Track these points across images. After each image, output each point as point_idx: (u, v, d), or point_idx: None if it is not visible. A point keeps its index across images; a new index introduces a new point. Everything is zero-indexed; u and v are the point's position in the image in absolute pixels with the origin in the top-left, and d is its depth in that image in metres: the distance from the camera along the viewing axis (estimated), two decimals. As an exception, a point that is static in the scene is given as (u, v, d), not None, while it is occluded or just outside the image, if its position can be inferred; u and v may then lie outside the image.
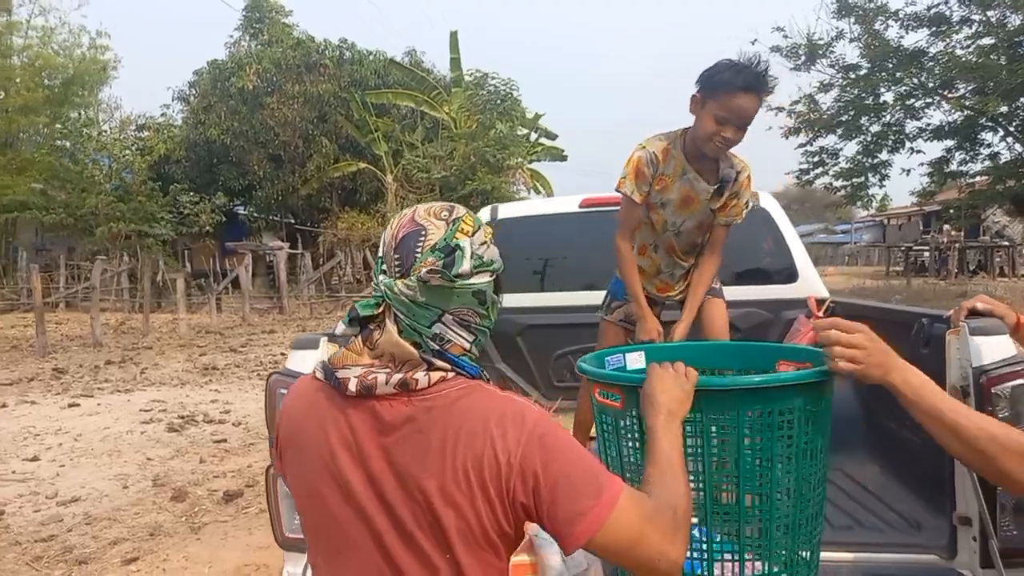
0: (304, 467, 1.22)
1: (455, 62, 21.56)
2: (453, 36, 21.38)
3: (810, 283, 3.63)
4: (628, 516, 1.10)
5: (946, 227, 27.22)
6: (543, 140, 22.77)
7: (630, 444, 1.51)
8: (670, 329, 2.70)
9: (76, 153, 23.26)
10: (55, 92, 22.41)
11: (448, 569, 1.14)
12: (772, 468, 1.46)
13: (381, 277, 1.17)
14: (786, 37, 18.88)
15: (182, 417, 7.13)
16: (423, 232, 1.15)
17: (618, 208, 3.90)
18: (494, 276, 1.20)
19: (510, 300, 3.97)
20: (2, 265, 22.15)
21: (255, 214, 26.20)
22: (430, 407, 1.13)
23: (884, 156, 19.61)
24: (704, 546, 1.48)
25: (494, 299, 1.21)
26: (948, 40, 17.43)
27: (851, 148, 19.84)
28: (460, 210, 1.20)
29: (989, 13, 16.83)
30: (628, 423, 1.51)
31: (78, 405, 7.78)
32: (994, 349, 1.75)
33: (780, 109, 19.56)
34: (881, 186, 20.37)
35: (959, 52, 17.39)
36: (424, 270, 1.12)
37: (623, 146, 2.78)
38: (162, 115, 26.00)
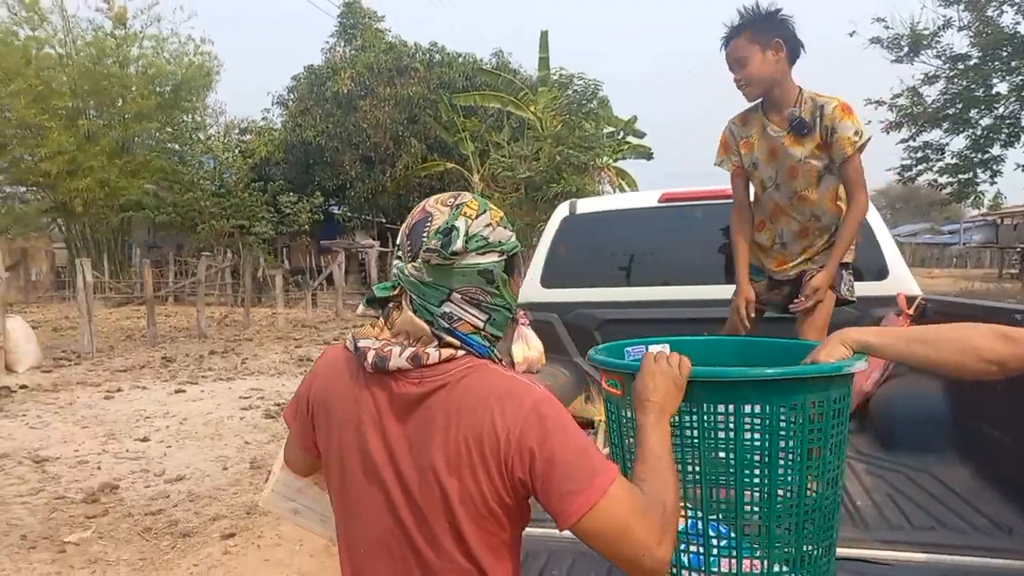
0: (332, 429, 1.31)
1: (543, 61, 21.62)
2: (543, 36, 21.45)
3: (901, 280, 3.50)
4: (618, 505, 1.13)
5: (1067, 227, 25.31)
6: (630, 138, 22.55)
7: (630, 432, 1.50)
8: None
9: (185, 156, 24.69)
10: (166, 98, 23.79)
11: (450, 535, 1.21)
12: (772, 464, 1.41)
13: (396, 262, 1.26)
14: (887, 28, 18.05)
15: (278, 404, 7.49)
16: (430, 218, 1.22)
17: (700, 203, 3.91)
18: (504, 256, 1.25)
19: (588, 295, 4.02)
20: (118, 261, 23.75)
21: (348, 213, 27.08)
22: (439, 384, 1.20)
23: (996, 151, 18.42)
24: (703, 540, 1.47)
25: (504, 278, 1.26)
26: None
27: (958, 143, 18.74)
28: (465, 196, 1.26)
29: (1119, -5, 15.58)
30: (628, 413, 1.50)
31: (184, 391, 8.29)
32: None
33: (880, 103, 18.70)
34: (992, 183, 19.12)
35: (1084, 38, 16.17)
36: (423, 250, 1.20)
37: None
38: (263, 119, 27.27)
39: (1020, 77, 17.29)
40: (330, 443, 1.33)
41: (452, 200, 1.25)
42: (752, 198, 2.94)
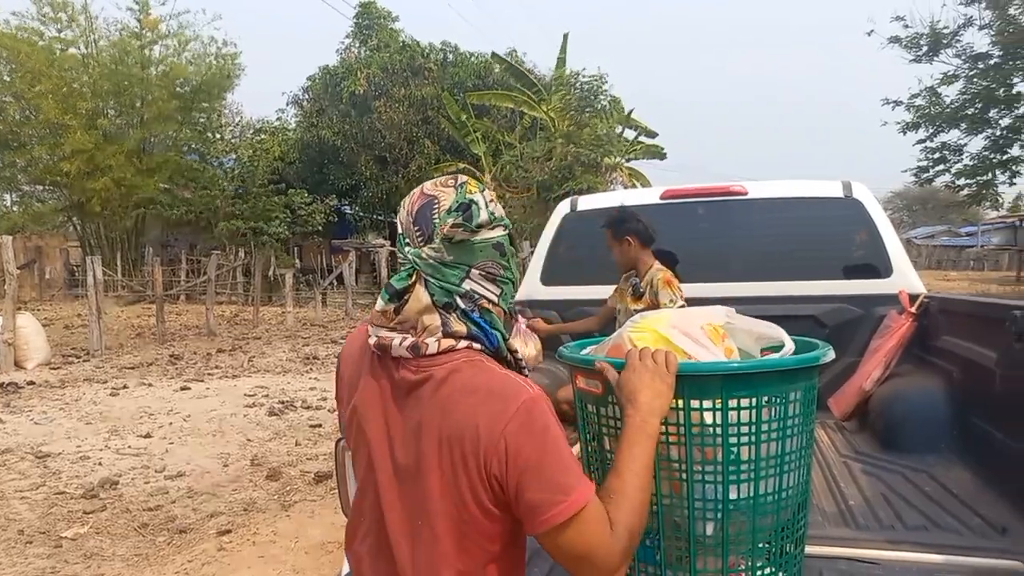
0: (353, 413, 1.30)
1: (561, 61, 21.65)
2: (565, 37, 21.50)
3: (905, 278, 3.42)
4: (586, 529, 1.11)
5: (1089, 229, 24.89)
6: (642, 138, 22.46)
7: (612, 432, 1.45)
8: None
9: (204, 154, 24.86)
10: (186, 99, 23.93)
11: (428, 536, 1.18)
12: (756, 457, 1.40)
13: (407, 249, 1.22)
14: (906, 27, 17.88)
15: (282, 402, 7.49)
16: (435, 201, 1.21)
17: (702, 200, 3.85)
18: (507, 230, 1.27)
19: (589, 292, 3.96)
20: (132, 260, 23.94)
21: (360, 213, 27.20)
22: (430, 375, 1.18)
23: (1016, 152, 18.18)
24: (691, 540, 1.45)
25: (512, 251, 1.27)
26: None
27: (976, 144, 18.53)
28: (463, 177, 1.27)
29: None
30: (609, 411, 1.44)
31: (189, 388, 8.31)
32: None
33: (898, 103, 18.52)
34: (1011, 183, 18.92)
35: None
36: (446, 228, 1.18)
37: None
38: (277, 119, 27.41)
39: (1041, 77, 17.06)
40: (351, 426, 1.31)
41: (452, 181, 1.24)
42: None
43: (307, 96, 26.31)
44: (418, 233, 1.20)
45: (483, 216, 1.20)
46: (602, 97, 20.12)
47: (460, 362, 1.18)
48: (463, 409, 1.14)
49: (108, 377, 9.11)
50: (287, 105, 27.30)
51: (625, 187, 20.52)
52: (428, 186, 1.25)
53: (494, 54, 23.09)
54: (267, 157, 24.38)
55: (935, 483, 2.30)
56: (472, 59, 24.44)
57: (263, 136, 26.42)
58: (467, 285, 1.20)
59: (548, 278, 4.10)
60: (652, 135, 22.46)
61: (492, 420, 1.12)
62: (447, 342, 1.18)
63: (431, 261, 1.19)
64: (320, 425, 6.61)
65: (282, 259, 23.53)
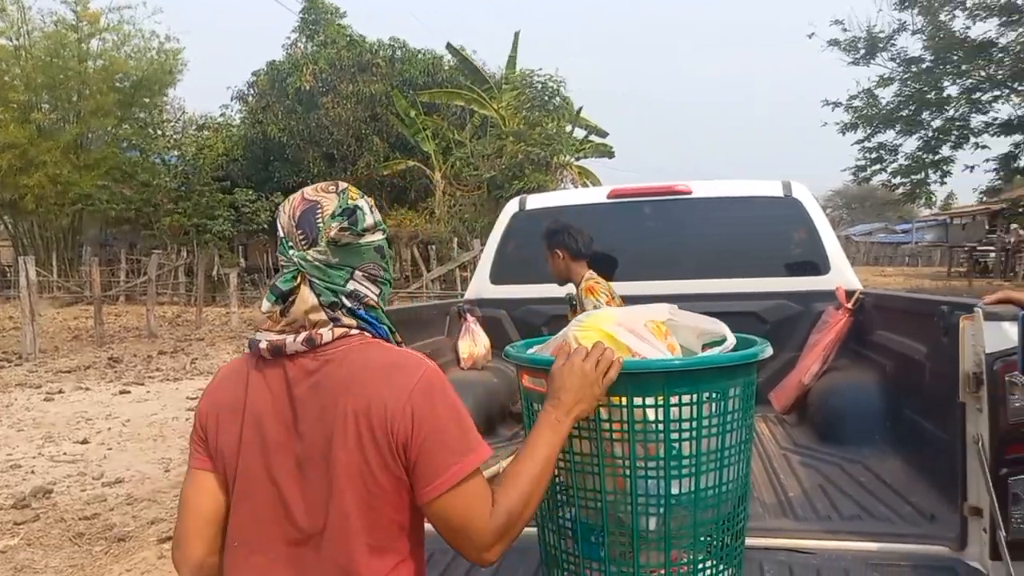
0: (228, 436, 1.27)
1: (512, 60, 21.68)
2: (516, 36, 21.54)
3: (842, 275, 3.52)
4: (461, 503, 1.17)
5: (1013, 226, 25.88)
6: (593, 137, 22.65)
7: None
8: None
9: (145, 151, 24.10)
10: (126, 94, 23.14)
11: (335, 514, 1.18)
12: (697, 453, 1.44)
13: (291, 253, 1.25)
14: (845, 31, 18.43)
15: (226, 405, 7.32)
16: (318, 206, 1.25)
17: (648, 199, 3.89)
18: (385, 234, 1.34)
19: (537, 291, 3.96)
20: (68, 260, 23.10)
21: (308, 211, 26.75)
22: (328, 360, 1.22)
23: (946, 152, 18.93)
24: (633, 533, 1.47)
25: (391, 253, 1.35)
26: (1020, 30, 16.66)
27: (911, 144, 19.22)
28: (342, 184, 1.33)
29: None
30: None
31: (129, 392, 8.08)
32: (1009, 335, 1.66)
33: (837, 104, 19.06)
34: (942, 183, 19.68)
35: (1032, 42, 16.65)
36: (333, 232, 1.22)
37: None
38: (221, 115, 26.77)
39: (970, 80, 17.77)
40: (226, 452, 1.27)
41: (333, 187, 1.29)
42: None
43: (252, 91, 25.75)
44: (301, 237, 1.24)
45: (368, 221, 1.26)
46: (557, 98, 20.22)
47: (356, 344, 1.23)
48: (367, 384, 1.18)
49: (42, 382, 8.79)
50: (232, 100, 26.70)
51: (576, 186, 20.67)
52: (309, 192, 1.29)
53: (448, 45, 22.97)
54: (211, 154, 23.78)
55: (870, 473, 2.37)
56: (421, 56, 24.26)
57: (206, 132, 25.77)
58: (351, 286, 1.26)
59: (497, 277, 4.10)
60: (603, 134, 22.66)
61: (397, 390, 1.17)
62: (340, 330, 1.23)
63: (317, 263, 1.23)
64: (266, 427, 6.50)
65: (226, 258, 23.00)
